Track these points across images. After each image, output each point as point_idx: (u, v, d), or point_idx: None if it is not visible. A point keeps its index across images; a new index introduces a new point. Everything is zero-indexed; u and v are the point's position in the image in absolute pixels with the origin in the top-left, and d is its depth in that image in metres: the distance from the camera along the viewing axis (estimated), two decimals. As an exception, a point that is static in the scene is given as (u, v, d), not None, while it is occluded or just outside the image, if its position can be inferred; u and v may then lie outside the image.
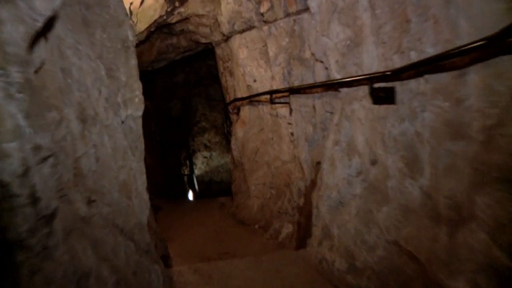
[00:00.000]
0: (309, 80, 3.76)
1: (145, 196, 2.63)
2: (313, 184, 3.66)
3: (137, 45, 6.24)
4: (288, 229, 4.34)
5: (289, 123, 4.39)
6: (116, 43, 2.32)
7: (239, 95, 5.70)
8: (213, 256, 4.17)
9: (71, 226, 1.65)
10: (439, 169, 2.05)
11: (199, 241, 4.83)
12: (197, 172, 16.01)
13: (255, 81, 5.18)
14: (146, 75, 8.95)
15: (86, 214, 1.90)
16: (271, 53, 4.60)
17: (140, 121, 2.60)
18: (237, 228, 5.34)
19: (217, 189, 18.21)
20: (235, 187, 6.58)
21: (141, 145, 2.62)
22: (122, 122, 2.39)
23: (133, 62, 2.52)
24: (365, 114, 2.75)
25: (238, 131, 5.93)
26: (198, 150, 14.92)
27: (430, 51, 2.05)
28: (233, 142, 6.31)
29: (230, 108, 6.41)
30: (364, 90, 2.73)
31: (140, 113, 2.58)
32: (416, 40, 2.17)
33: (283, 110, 4.48)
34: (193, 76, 11.28)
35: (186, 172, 13.52)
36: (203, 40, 6.66)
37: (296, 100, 4.06)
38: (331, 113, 3.36)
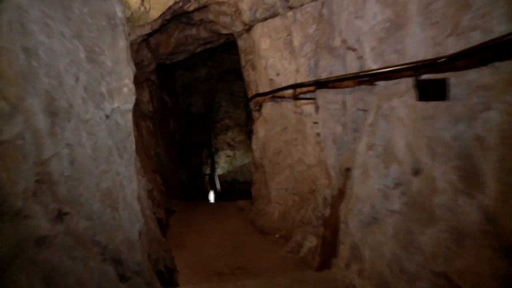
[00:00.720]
0: (339, 72, 3.31)
1: (136, 206, 2.24)
2: (341, 193, 3.21)
3: (151, 34, 5.94)
4: (311, 242, 3.91)
5: (315, 122, 3.95)
6: (100, 20, 1.94)
7: (261, 91, 5.29)
8: (225, 271, 3.78)
9: (14, 253, 1.28)
10: (508, 185, 1.59)
11: (212, 251, 4.45)
12: (219, 171, 15.72)
13: (278, 74, 4.76)
14: (164, 69, 8.67)
15: (48, 233, 1.52)
16: (296, 43, 4.17)
17: (130, 116, 2.22)
18: (255, 237, 4.94)
19: (241, 189, 17.85)
20: (255, 190, 6.18)
21: (131, 145, 2.23)
22: (107, 116, 2.02)
23: (122, 43, 2.14)
24: (407, 113, 2.29)
25: (260, 130, 5.52)
26: (221, 148, 14.62)
27: (501, 29, 1.59)
28: (254, 141, 5.91)
29: (251, 104, 6.01)
30: (406, 83, 2.27)
31: (130, 106, 2.20)
32: (480, 16, 1.71)
33: (308, 107, 4.05)
34: (216, 71, 10.94)
35: (207, 172, 13.23)
36: (224, 31, 6.28)
37: (324, 96, 3.62)
38: (365, 111, 2.90)
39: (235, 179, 17.34)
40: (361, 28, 2.68)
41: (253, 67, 5.98)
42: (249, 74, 6.30)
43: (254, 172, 6.38)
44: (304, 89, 3.87)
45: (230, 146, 14.46)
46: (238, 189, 17.92)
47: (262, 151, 5.57)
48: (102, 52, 1.99)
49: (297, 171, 4.53)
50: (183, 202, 7.20)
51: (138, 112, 6.29)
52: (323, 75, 3.61)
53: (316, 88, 3.67)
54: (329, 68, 3.50)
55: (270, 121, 5.23)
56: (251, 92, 6.17)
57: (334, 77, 3.18)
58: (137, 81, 6.71)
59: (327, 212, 3.65)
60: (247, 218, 5.80)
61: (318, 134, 3.95)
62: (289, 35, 4.39)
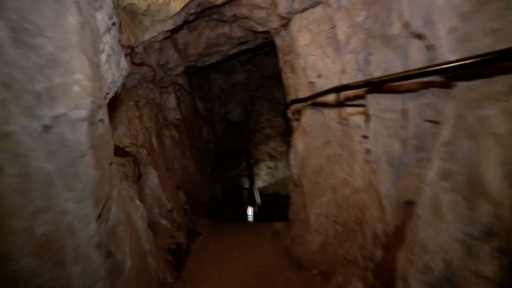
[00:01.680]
0: (398, 69, 2.54)
1: (97, 258, 1.60)
2: (399, 234, 2.44)
3: (175, 31, 5.39)
4: (357, 289, 3.14)
5: (365, 136, 3.19)
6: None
7: (300, 96, 4.59)
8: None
9: None
10: None
11: (235, 290, 3.78)
12: (260, 184, 15.06)
13: (319, 76, 4.03)
14: (197, 73, 8.16)
15: None
16: (341, 35, 3.44)
17: (84, 127, 1.56)
18: (289, 272, 4.21)
19: (283, 202, 17.11)
20: (293, 213, 5.45)
21: (87, 170, 1.58)
22: (45, 128, 1.39)
23: (73, 20, 1.50)
24: (509, 127, 1.51)
25: (298, 142, 4.80)
26: (262, 159, 13.98)
27: None
28: (292, 156, 5.20)
29: (289, 112, 5.31)
30: (509, 81, 1.50)
31: (84, 113, 1.54)
32: None
33: (356, 117, 3.30)
34: (255, 75, 10.33)
35: (246, 185, 12.60)
36: (260, 28, 5.63)
37: (376, 102, 2.86)
38: (436, 122, 2.13)
39: (277, 192, 16.63)
40: (432, 2, 1.91)
41: (292, 69, 5.29)
42: (287, 77, 5.61)
43: (292, 190, 5.66)
44: (351, 92, 3.13)
45: (272, 157, 13.79)
46: (280, 203, 17.20)
47: (300, 167, 4.84)
48: (39, 32, 1.37)
49: (341, 195, 3.77)
50: (213, 221, 6.56)
51: (161, 119, 5.76)
52: (376, 74, 2.85)
53: (367, 91, 2.92)
54: (384, 64, 2.74)
55: (310, 133, 4.51)
56: (290, 98, 5.48)
57: (390, 75, 2.38)
58: (162, 85, 6.21)
59: (378, 254, 2.87)
60: (283, 246, 5.07)
61: (368, 151, 3.20)
62: (333, 27, 3.67)
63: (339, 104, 3.10)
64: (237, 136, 11.49)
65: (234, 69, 10.00)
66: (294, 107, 5.22)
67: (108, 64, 2.21)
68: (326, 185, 4.17)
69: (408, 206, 2.35)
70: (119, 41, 2.59)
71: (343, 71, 3.47)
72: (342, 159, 3.76)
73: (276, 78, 10.72)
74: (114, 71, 2.34)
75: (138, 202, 3.20)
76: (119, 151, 4.33)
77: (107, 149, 1.86)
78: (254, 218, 11.23)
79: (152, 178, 4.75)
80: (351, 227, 3.58)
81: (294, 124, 5.38)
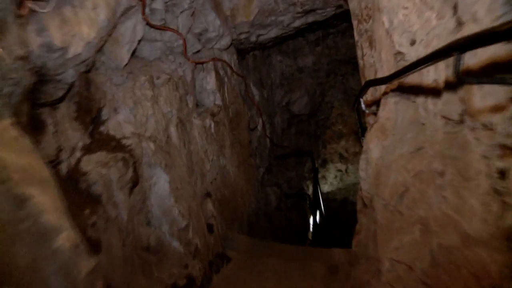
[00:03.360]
0: None
1: None
2: None
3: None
4: None
5: (496, 146, 1.74)
6: None
7: (380, 75, 3.15)
8: None
9: None
10: None
11: None
12: (326, 188, 13.62)
13: (413, 43, 2.57)
14: (253, 51, 6.88)
15: None
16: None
17: None
18: None
19: (353, 210, 15.52)
20: (359, 244, 4.06)
21: None
22: None
23: None
24: None
25: (373, 146, 3.36)
26: (331, 161, 12.55)
27: None
28: (362, 163, 3.77)
29: (363, 102, 3.85)
30: None
31: None
32: None
33: (482, 107, 1.84)
34: (326, 59, 8.85)
35: (309, 190, 11.21)
36: (329, -15, 4.24)
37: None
38: None
39: (346, 198, 15.15)
40: None
41: (370, 42, 3.86)
42: (364, 54, 4.16)
43: (360, 211, 4.23)
44: (488, 56, 1.67)
45: (343, 158, 12.31)
46: (349, 211, 15.74)
47: (373, 182, 3.40)
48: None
49: (438, 241, 2.33)
50: (254, 240, 5.30)
51: (191, 103, 4.56)
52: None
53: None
54: None
55: (391, 133, 3.05)
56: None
57: None
58: (197, 61, 5.01)
59: None
60: (340, 292, 3.69)
61: (502, 175, 1.75)
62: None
63: (459, 79, 1.62)
64: (302, 132, 10.11)
65: (301, 51, 8.59)
66: (370, 94, 3.79)
67: None
68: (412, 217, 2.73)
69: None
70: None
71: (459, 24, 2.01)
72: (445, 181, 2.30)
73: (352, 64, 9.17)
74: None
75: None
76: (110, 144, 3.18)
77: None
78: (315, 230, 9.83)
79: (161, 183, 3.56)
80: (456, 300, 2.14)
81: (369, 119, 3.94)
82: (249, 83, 6.97)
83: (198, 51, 4.97)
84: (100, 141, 3.18)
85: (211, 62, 5.12)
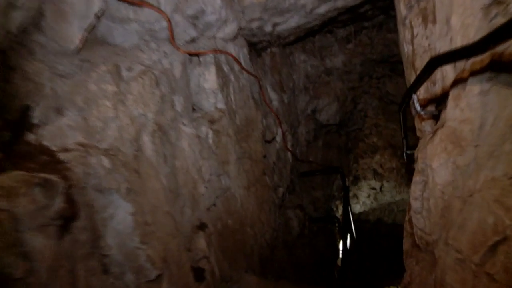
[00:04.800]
0: None
1: None
2: None
3: None
4: None
5: None
6: None
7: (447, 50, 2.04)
8: None
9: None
10: None
11: None
12: (358, 208, 12.40)
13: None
14: (272, 48, 5.84)
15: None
16: None
17: None
18: None
19: (388, 233, 14.23)
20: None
21: None
22: None
23: None
24: None
25: (436, 163, 2.20)
26: (364, 177, 11.36)
27: None
28: (416, 187, 2.65)
29: (416, 100, 2.72)
30: None
31: None
32: None
33: None
34: (359, 59, 7.72)
35: (338, 212, 10.06)
36: None
37: None
38: None
39: (381, 219, 13.89)
40: None
41: (425, 16, 2.80)
42: (414, 36, 3.05)
43: (409, 253, 3.09)
44: None
45: (377, 175, 11.11)
46: (382, 234, 14.51)
47: (437, 220, 2.26)
48: None
49: None
50: (266, 282, 4.22)
51: (180, 106, 3.54)
52: None
53: None
54: None
55: (472, 143, 1.89)
56: (415, 75, 2.95)
57: None
58: (191, 51, 3.99)
59: None
60: None
61: None
62: None
63: None
64: (330, 145, 8.97)
65: (329, 49, 7.48)
66: (424, 91, 2.70)
67: None
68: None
69: None
70: None
71: None
72: None
73: (390, 64, 8.02)
74: None
75: None
76: (37, 160, 2.18)
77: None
78: (345, 256, 8.63)
79: (120, 216, 2.53)
80: None
81: (424, 126, 2.83)
82: (265, 85, 5.92)
83: (193, 40, 3.96)
84: (23, 155, 2.18)
85: (211, 54, 4.10)
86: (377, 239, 14.36)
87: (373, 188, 11.55)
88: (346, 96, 8.43)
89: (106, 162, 2.47)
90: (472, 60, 1.77)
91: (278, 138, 6.29)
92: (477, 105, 1.75)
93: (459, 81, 1.94)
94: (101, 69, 2.75)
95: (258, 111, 5.13)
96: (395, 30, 6.94)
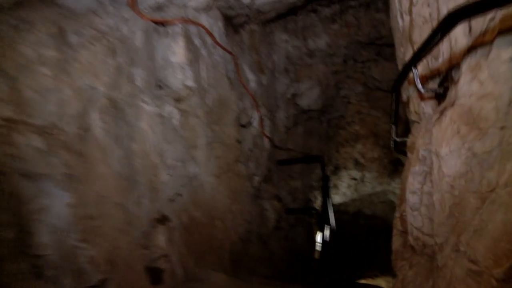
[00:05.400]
0: None
1: None
2: None
3: None
4: None
5: None
6: None
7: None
8: None
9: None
10: None
11: None
12: (338, 199, 12.15)
13: None
14: (251, 25, 5.41)
15: None
16: None
17: None
18: None
19: (367, 225, 14.06)
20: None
21: None
22: None
23: None
24: None
25: (445, 149, 1.83)
26: (344, 167, 11.06)
27: None
28: (414, 178, 2.28)
29: (417, 74, 2.34)
30: None
31: None
32: None
33: None
34: (344, 40, 7.34)
35: (316, 203, 9.76)
36: None
37: None
38: None
39: (360, 211, 13.71)
40: None
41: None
42: (413, 3, 2.68)
43: (400, 255, 2.76)
44: None
45: (358, 165, 10.83)
46: (361, 225, 14.39)
47: (442, 220, 1.90)
48: None
49: None
50: (236, 281, 3.87)
51: (140, 80, 3.12)
52: None
53: None
54: None
55: (496, 125, 1.53)
56: (413, 50, 2.59)
57: None
58: (156, 19, 3.54)
59: None
60: None
61: None
62: None
63: None
64: (311, 132, 8.62)
65: (312, 29, 7.07)
66: (423, 67, 2.34)
67: None
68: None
69: None
70: None
71: None
72: None
73: (377, 47, 7.66)
74: None
75: None
76: None
77: None
78: (324, 248, 8.37)
79: (57, 208, 2.13)
80: None
81: (423, 107, 2.48)
82: (241, 65, 5.51)
83: (160, 8, 3.51)
84: None
85: (180, 25, 3.67)
86: (356, 229, 14.20)
87: (354, 179, 11.30)
88: (329, 80, 8.07)
89: (38, 142, 2.04)
90: (502, 13, 1.40)
91: (255, 123, 5.90)
92: (506, 75, 1.39)
93: (478, 47, 1.58)
94: (41, 31, 2.32)
95: (233, 91, 4.73)
96: (384, 9, 6.59)
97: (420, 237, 2.21)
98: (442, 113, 1.90)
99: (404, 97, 3.35)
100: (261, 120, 6.06)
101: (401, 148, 3.42)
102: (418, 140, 2.31)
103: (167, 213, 3.16)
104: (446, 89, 2.09)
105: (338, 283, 7.32)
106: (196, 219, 3.65)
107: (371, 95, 8.84)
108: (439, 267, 1.87)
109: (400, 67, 3.36)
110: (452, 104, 1.82)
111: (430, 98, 2.37)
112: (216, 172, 4.11)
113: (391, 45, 7.19)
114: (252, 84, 5.85)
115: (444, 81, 2.16)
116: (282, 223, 6.98)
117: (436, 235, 1.90)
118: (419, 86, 2.17)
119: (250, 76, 5.82)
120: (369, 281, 14.38)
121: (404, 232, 2.61)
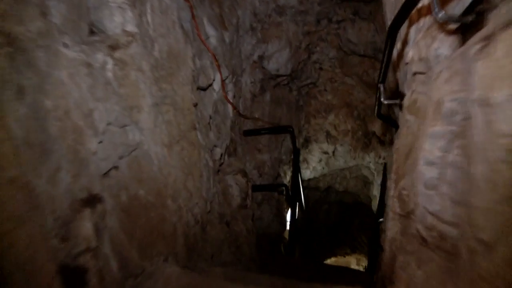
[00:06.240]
0: None
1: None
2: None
3: None
4: None
5: None
6: None
7: None
8: None
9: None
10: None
11: None
12: (308, 174, 11.71)
13: None
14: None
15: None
16: None
17: None
18: None
19: (338, 201, 13.78)
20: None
21: None
22: None
23: None
24: None
25: (497, 92, 1.27)
26: (315, 140, 10.61)
27: None
28: (431, 144, 1.70)
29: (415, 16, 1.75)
30: None
31: None
32: None
33: None
34: (317, -4, 6.72)
35: (286, 178, 9.28)
36: None
37: None
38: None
39: (331, 187, 13.40)
40: None
41: None
42: None
43: (398, 247, 2.22)
44: None
45: (330, 138, 10.39)
46: (332, 201, 14.13)
47: (486, 202, 1.35)
48: None
49: None
50: (192, 274, 3.28)
51: (60, 18, 2.41)
52: None
53: None
54: None
55: None
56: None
57: None
58: None
59: None
60: None
61: None
62: None
63: None
64: (279, 100, 8.02)
65: (281, -18, 6.42)
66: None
67: None
68: None
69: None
70: None
71: None
72: None
73: (354, 5, 7.06)
74: None
75: None
76: None
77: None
78: (293, 228, 7.92)
79: None
80: None
81: (434, 47, 1.89)
82: (200, 16, 4.80)
83: None
84: None
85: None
86: (326, 207, 13.88)
87: (325, 152, 10.87)
88: (300, 42, 7.44)
89: None
90: None
91: (216, 86, 5.23)
92: None
93: None
94: None
95: (188, 45, 4.03)
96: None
97: (436, 226, 1.63)
98: (488, 40, 1.29)
99: (399, 46, 2.78)
100: (223, 83, 5.40)
101: (386, 114, 2.88)
102: (434, 91, 1.71)
103: (98, 191, 2.49)
104: (481, 13, 1.49)
105: (307, 266, 6.84)
106: (141, 199, 3.01)
107: (346, 60, 8.30)
108: (476, 275, 1.30)
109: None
110: (504, 28, 1.22)
111: (449, 32, 1.77)
112: (166, 141, 3.45)
113: (370, 1, 6.61)
114: (213, 41, 5.16)
115: (476, 3, 1.56)
116: (248, 201, 6.40)
117: (476, 226, 1.31)
118: (436, 9, 1.56)
119: (210, 31, 5.12)
120: (340, 259, 14.20)
121: (405, 217, 2.04)
